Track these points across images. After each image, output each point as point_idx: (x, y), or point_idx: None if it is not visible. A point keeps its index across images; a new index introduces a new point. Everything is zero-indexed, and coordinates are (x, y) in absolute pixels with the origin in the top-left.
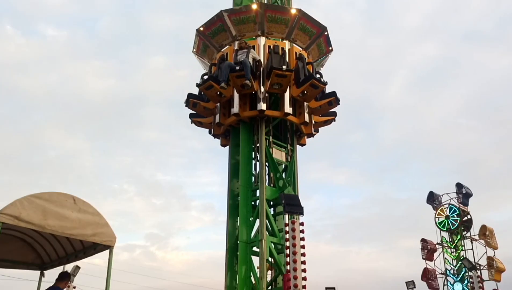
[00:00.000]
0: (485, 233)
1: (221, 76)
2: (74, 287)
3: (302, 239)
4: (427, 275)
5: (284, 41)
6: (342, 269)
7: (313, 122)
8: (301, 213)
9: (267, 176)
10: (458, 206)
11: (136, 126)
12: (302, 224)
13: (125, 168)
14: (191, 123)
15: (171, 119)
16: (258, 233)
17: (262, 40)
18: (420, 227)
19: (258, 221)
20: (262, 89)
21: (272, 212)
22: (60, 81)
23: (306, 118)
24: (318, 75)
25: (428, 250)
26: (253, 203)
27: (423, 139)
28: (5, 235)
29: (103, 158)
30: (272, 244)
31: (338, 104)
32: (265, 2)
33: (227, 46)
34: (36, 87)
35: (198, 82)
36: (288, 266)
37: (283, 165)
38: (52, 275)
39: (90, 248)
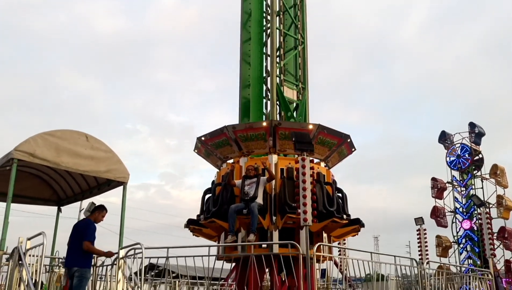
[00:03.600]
0: (496, 172)
1: (229, 225)
2: None
3: (312, 175)
4: (436, 213)
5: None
6: (352, 207)
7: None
8: (312, 151)
9: (278, 114)
10: (470, 145)
11: (148, 66)
12: (312, 161)
13: (138, 109)
14: (193, 235)
15: (182, 58)
16: None
17: (273, 159)
18: (431, 166)
19: None
20: (274, 219)
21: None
22: (70, 21)
23: (325, 251)
24: (337, 191)
25: (438, 189)
26: None
27: (437, 79)
28: (22, 172)
29: (116, 99)
30: None
31: (363, 227)
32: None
33: (233, 160)
34: (47, 28)
35: (198, 214)
36: (298, 201)
37: (294, 104)
38: (67, 210)
39: (104, 185)
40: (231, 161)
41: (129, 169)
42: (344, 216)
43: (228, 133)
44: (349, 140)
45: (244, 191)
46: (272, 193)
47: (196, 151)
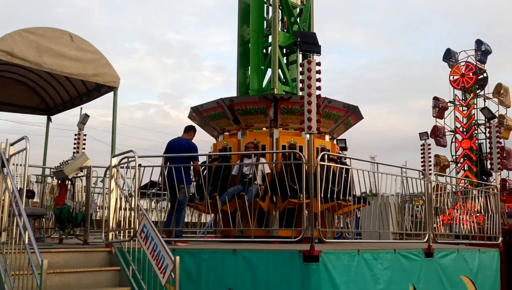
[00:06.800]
0: (500, 92)
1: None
2: (85, 135)
3: (319, 80)
4: (436, 133)
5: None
6: (350, 129)
7: None
8: (319, 53)
9: (280, 21)
10: (475, 63)
11: None
12: (319, 64)
13: (136, 27)
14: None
15: None
16: (270, 82)
17: (275, 133)
18: (434, 88)
19: (270, 70)
20: (274, 199)
21: (285, 61)
22: None
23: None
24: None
25: (439, 108)
26: (265, 50)
27: None
28: (5, 78)
29: (113, 16)
30: (284, 93)
31: (369, 205)
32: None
33: (230, 132)
34: None
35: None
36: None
37: (298, 9)
38: (58, 119)
39: (94, 91)
40: (227, 133)
41: (128, 89)
42: (350, 198)
43: (225, 106)
44: (358, 110)
45: (243, 171)
46: (273, 172)
47: (190, 118)
